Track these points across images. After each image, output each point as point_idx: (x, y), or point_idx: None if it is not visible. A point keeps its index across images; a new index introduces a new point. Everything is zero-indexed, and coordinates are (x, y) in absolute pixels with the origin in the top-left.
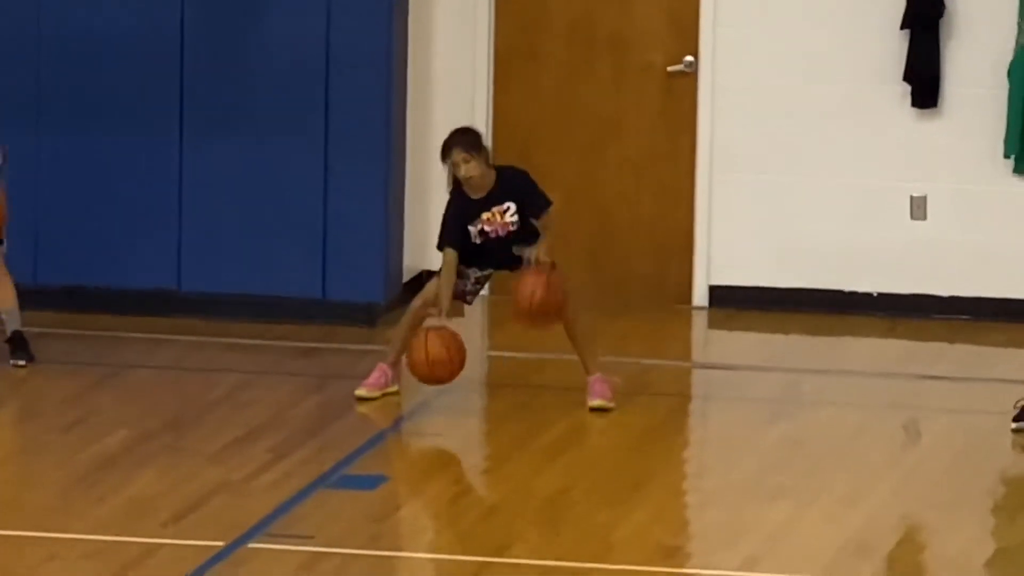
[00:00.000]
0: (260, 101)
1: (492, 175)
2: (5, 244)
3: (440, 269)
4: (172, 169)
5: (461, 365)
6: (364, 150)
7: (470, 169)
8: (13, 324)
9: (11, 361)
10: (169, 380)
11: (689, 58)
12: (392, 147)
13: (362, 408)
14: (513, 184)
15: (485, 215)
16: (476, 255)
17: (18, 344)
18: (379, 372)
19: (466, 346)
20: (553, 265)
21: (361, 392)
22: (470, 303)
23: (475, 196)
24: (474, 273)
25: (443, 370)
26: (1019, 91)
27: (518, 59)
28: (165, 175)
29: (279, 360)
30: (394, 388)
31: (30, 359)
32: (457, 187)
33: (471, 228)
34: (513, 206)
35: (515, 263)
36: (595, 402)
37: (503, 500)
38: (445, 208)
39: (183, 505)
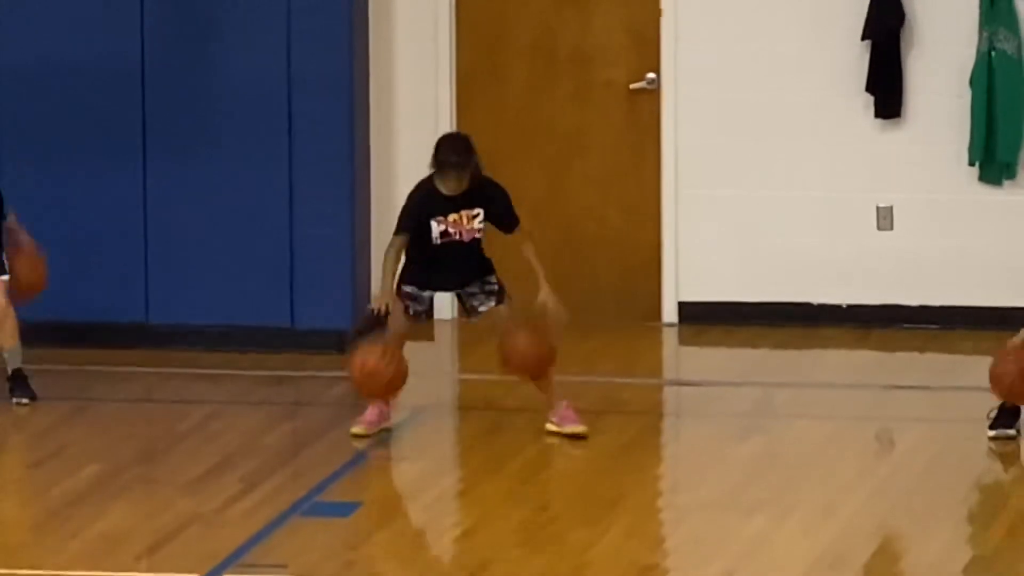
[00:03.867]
0: (223, 129)
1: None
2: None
3: (387, 252)
4: (136, 199)
5: (394, 381)
6: (329, 176)
7: (461, 185)
8: (15, 362)
9: (13, 399)
10: (139, 412)
11: (651, 75)
12: (356, 172)
13: (357, 443)
14: (487, 192)
15: (452, 216)
16: (434, 267)
17: (19, 382)
18: (375, 409)
19: (408, 367)
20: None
21: (357, 430)
22: (425, 320)
23: (447, 192)
24: (428, 295)
25: (376, 383)
26: (982, 98)
27: (480, 79)
28: (129, 206)
29: (249, 389)
30: (389, 424)
31: (32, 397)
32: (431, 177)
33: (434, 223)
34: (482, 213)
35: (468, 282)
36: (577, 428)
37: (478, 523)
38: (411, 193)
39: (157, 537)
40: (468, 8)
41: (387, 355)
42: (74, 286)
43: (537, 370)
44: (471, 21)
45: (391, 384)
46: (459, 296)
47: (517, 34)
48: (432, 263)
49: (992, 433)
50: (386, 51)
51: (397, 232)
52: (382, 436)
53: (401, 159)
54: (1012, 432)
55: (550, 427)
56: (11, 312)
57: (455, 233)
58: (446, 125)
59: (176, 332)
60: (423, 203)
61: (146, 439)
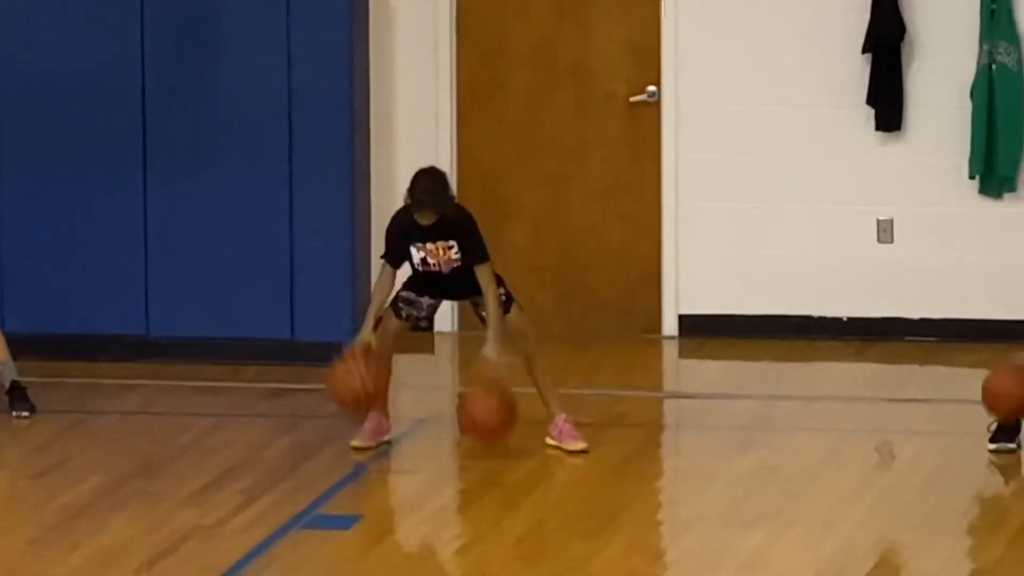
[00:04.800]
0: (223, 142)
1: None
2: None
3: (375, 283)
4: (136, 212)
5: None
6: (328, 188)
7: (434, 218)
8: (9, 375)
9: (13, 413)
10: (139, 425)
11: (652, 88)
12: (356, 184)
13: (357, 456)
14: (458, 224)
15: (429, 245)
16: (426, 282)
17: (18, 395)
18: (373, 422)
19: (391, 381)
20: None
21: (358, 443)
22: (425, 328)
23: (422, 221)
24: (426, 301)
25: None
26: (982, 111)
27: (481, 91)
28: (130, 219)
29: (249, 402)
30: (389, 436)
31: (32, 410)
32: (407, 205)
33: (413, 250)
34: (456, 244)
35: (465, 294)
36: (577, 445)
37: (478, 535)
38: (390, 222)
39: (157, 551)
40: (469, 21)
41: (345, 369)
42: (75, 298)
43: (497, 436)
44: (472, 34)
45: (359, 399)
46: (472, 303)
47: (517, 47)
48: (426, 284)
49: (992, 446)
50: (386, 64)
51: (383, 257)
52: (382, 449)
53: (401, 172)
54: (1012, 446)
55: (550, 441)
56: None
57: (434, 263)
58: (446, 138)
59: (176, 345)
60: (401, 231)
61: (146, 452)
